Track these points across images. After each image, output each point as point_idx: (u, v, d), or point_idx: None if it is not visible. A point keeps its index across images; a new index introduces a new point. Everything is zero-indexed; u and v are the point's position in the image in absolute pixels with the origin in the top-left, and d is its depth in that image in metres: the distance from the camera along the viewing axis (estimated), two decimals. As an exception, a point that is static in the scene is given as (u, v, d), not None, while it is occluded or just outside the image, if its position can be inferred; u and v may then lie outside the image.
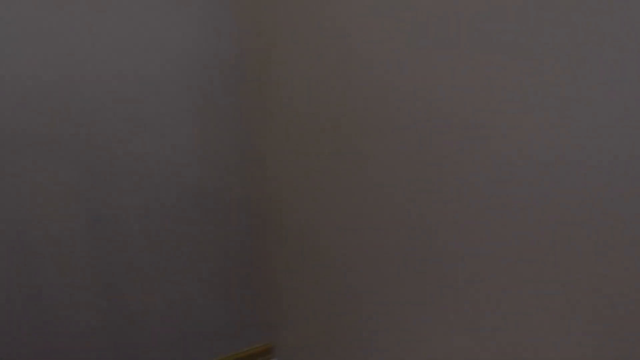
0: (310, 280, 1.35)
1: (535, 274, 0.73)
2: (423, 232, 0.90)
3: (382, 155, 0.97)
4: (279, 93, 1.34)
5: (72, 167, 1.31)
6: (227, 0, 1.41)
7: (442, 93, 0.84)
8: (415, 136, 0.89)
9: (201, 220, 1.54)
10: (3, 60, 1.18)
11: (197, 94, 1.44)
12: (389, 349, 1.03)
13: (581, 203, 0.65)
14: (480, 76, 0.77)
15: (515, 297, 0.77)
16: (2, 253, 1.28)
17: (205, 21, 1.39)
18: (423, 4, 0.83)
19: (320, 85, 1.13)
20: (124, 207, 1.40)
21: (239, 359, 1.69)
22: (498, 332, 0.80)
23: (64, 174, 1.31)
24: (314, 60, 1.14)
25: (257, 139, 1.55)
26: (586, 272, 0.67)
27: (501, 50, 0.73)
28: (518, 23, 0.70)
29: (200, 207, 1.53)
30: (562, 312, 0.70)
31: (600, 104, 0.61)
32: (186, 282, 1.56)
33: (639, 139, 0.57)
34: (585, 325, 0.67)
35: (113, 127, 1.34)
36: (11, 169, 1.24)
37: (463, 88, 0.80)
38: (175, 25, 1.36)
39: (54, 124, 1.27)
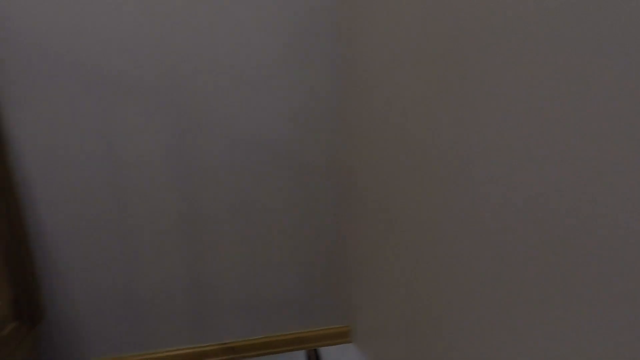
0: (393, 265, 1.25)
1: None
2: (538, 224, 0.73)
3: (488, 124, 0.76)
4: (369, 49, 1.22)
5: (166, 117, 1.39)
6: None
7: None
8: (540, 109, 0.64)
9: (285, 183, 1.50)
10: (120, 19, 1.29)
11: (289, 49, 1.43)
12: (474, 349, 0.90)
13: None
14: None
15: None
16: (98, 193, 1.39)
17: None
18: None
19: (419, 42, 0.95)
20: (211, 162, 1.44)
21: (316, 337, 1.64)
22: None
23: (160, 124, 1.39)
24: (412, 10, 0.96)
25: (346, 99, 1.46)
26: None
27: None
28: None
29: (286, 169, 1.49)
30: None
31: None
32: (266, 246, 1.54)
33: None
34: None
35: (206, 81, 1.39)
36: (117, 111, 1.35)
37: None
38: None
39: (154, 75, 1.35)
